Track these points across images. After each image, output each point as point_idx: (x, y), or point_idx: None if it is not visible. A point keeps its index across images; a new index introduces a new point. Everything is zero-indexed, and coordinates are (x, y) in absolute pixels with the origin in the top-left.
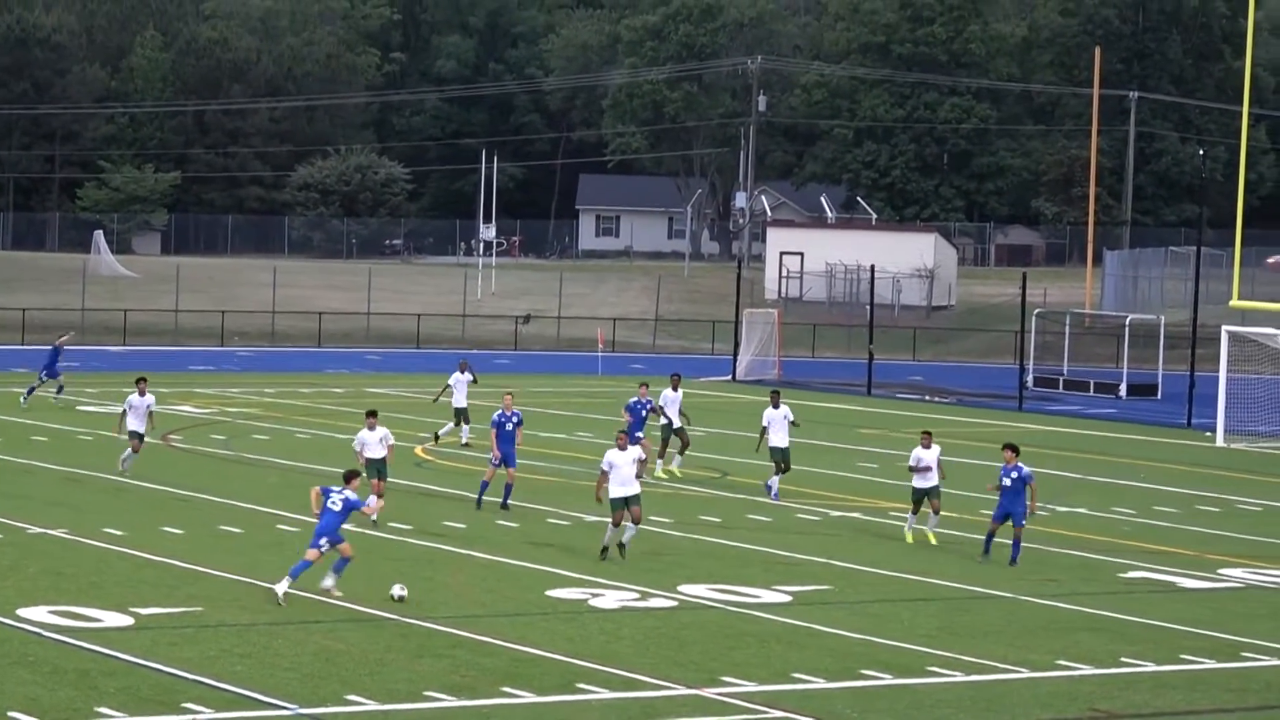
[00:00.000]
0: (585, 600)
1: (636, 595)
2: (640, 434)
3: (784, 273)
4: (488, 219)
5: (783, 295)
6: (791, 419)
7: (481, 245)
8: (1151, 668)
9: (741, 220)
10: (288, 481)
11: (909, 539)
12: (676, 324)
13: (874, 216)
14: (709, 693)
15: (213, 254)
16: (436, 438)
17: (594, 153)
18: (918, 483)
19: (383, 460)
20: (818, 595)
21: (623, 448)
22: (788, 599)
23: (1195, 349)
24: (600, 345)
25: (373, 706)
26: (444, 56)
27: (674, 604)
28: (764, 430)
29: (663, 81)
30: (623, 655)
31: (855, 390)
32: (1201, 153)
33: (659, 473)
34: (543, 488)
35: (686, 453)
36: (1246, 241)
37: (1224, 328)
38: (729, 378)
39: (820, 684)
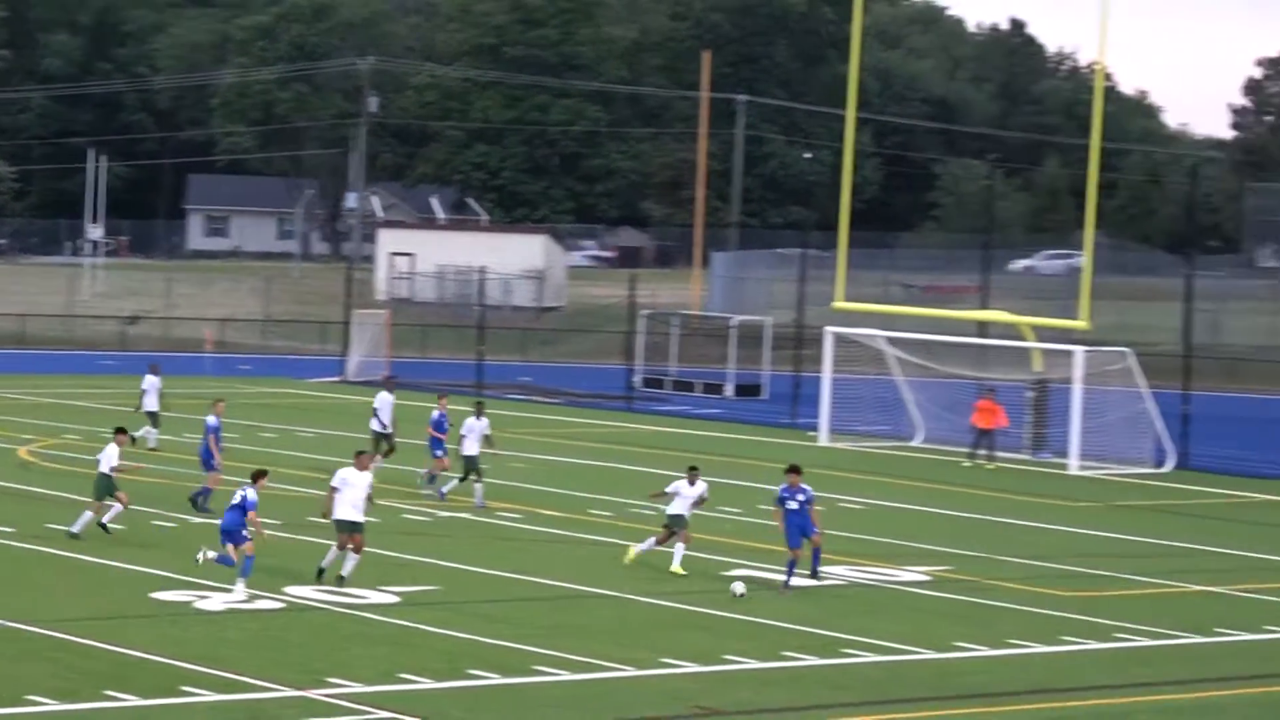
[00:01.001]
0: (190, 602)
1: (243, 597)
2: (441, 452)
3: (394, 273)
4: (95, 218)
5: (392, 296)
6: (489, 433)
7: (88, 245)
8: (754, 665)
9: (351, 221)
10: None
11: (630, 557)
12: (286, 324)
13: (485, 218)
14: (315, 694)
15: None
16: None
17: (203, 152)
18: (671, 509)
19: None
20: (425, 596)
21: (363, 468)
22: (395, 599)
23: (801, 350)
24: (208, 345)
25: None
26: (51, 54)
27: (281, 605)
28: (462, 438)
29: (273, 82)
30: (228, 657)
31: (465, 391)
32: (808, 156)
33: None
34: (148, 490)
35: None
36: (852, 244)
37: (828, 329)
38: (339, 378)
39: (428, 684)
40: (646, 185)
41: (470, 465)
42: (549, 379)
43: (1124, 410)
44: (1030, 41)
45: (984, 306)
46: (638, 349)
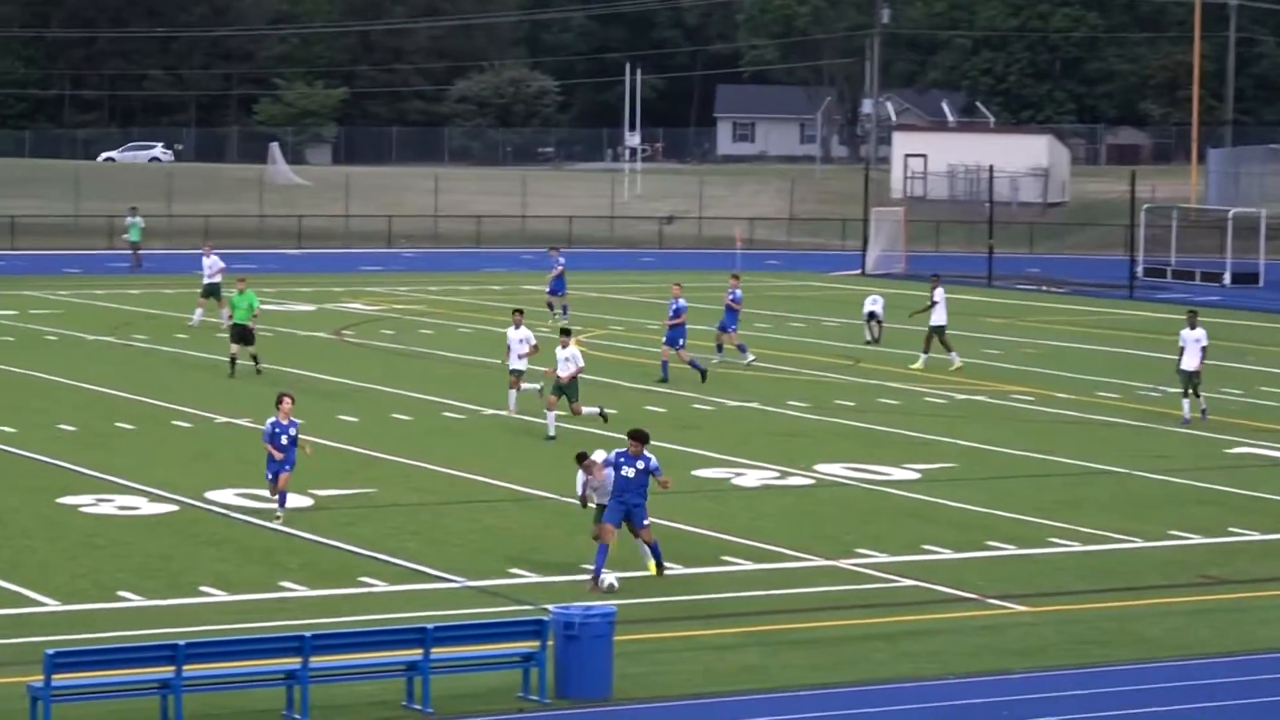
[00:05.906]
0: (728, 479)
1: (776, 474)
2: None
3: (908, 173)
4: (632, 127)
5: (907, 194)
6: (1204, 344)
7: (627, 152)
8: (1257, 537)
9: (868, 125)
10: (455, 372)
11: None
12: (809, 223)
13: (992, 120)
14: (844, 563)
15: (379, 163)
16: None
17: (729, 64)
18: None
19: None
20: (944, 473)
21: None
22: (916, 476)
23: None
24: (739, 243)
25: (533, 579)
26: None
27: (811, 482)
28: (1181, 350)
29: None
30: (765, 530)
31: (977, 282)
32: None
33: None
34: (734, 378)
35: None
36: None
37: None
38: (859, 272)
39: (949, 555)
40: (1144, 86)
41: (1185, 380)
42: (1055, 270)
43: None
44: None
45: None
46: (1139, 241)
